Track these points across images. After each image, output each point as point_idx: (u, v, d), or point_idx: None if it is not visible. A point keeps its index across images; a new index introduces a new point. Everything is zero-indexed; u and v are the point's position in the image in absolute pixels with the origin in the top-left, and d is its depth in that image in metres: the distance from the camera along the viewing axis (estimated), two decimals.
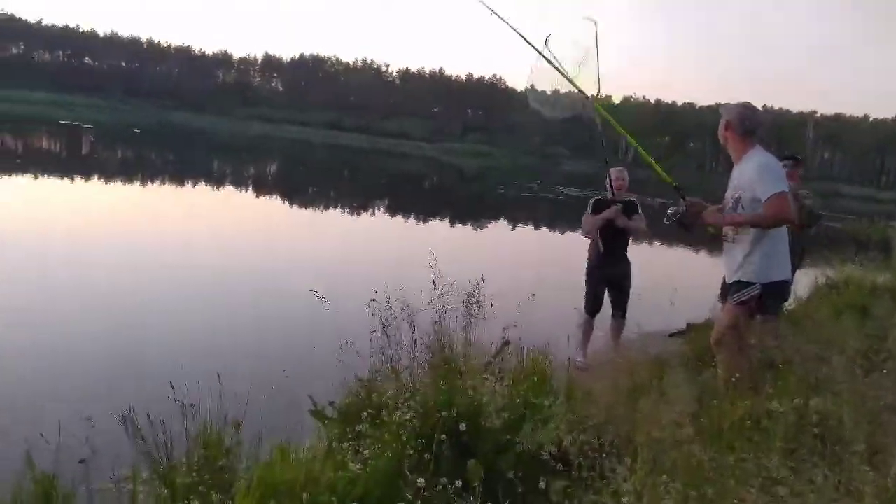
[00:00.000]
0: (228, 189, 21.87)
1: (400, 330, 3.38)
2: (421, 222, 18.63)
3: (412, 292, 3.50)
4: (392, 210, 20.70)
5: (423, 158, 65.23)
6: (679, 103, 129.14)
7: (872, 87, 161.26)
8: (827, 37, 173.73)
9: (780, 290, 3.49)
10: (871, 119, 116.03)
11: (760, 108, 3.48)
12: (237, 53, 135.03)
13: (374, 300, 3.35)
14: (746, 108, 3.52)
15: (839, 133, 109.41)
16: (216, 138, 55.61)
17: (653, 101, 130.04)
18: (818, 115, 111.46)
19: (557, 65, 4.04)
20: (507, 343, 3.97)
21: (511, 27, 4.32)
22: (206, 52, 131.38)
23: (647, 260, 15.17)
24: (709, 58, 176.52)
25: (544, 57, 4.09)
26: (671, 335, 7.16)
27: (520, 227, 20.09)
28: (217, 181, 23.65)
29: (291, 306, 7.23)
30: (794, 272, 6.32)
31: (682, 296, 9.27)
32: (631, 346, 6.72)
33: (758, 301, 3.38)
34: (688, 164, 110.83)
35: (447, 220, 19.44)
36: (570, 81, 4.04)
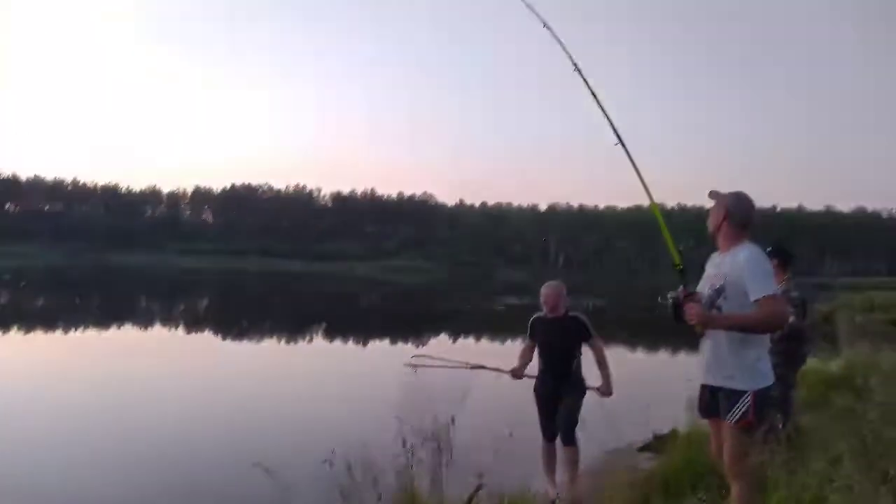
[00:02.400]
0: (153, 331, 20.39)
1: (363, 493, 2.98)
2: (363, 346, 18.06)
3: (370, 437, 3.12)
4: (333, 336, 19.98)
5: (361, 278, 65.10)
6: (601, 207, 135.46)
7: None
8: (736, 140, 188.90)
9: (769, 396, 3.26)
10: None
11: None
12: (166, 188, 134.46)
13: (328, 461, 2.97)
14: (743, 197, 3.41)
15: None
16: (147, 275, 54.03)
17: (576, 207, 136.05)
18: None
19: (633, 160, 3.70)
20: (479, 488, 3.60)
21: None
22: (134, 189, 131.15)
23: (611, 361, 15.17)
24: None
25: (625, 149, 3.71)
26: (640, 449, 6.85)
27: (470, 342, 19.47)
28: (142, 322, 22.16)
29: (233, 484, 5.60)
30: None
31: (644, 400, 9.10)
32: (600, 467, 6.40)
33: (755, 410, 3.15)
34: (617, 265, 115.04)
35: (397, 343, 18.80)
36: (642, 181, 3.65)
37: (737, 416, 3.16)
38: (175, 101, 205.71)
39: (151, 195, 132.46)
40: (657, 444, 6.71)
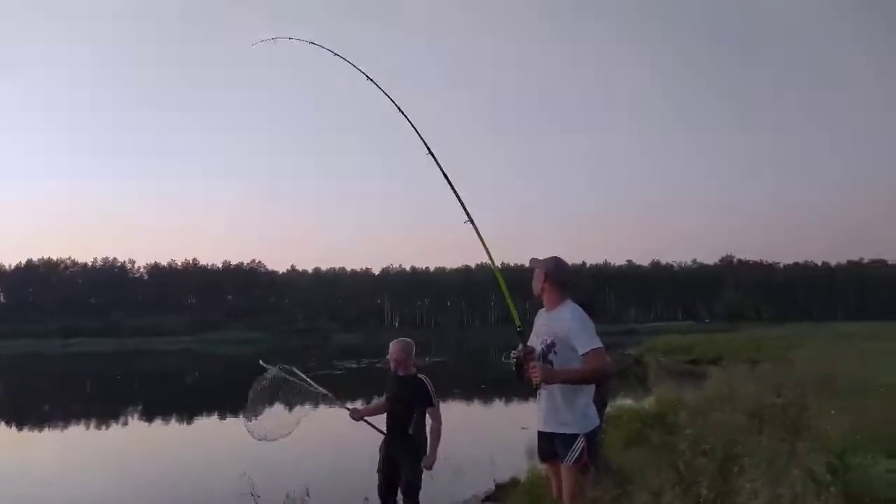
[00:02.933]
0: None
1: None
2: (185, 424, 16.70)
3: None
4: (154, 415, 18.32)
5: (183, 353, 60.56)
6: (432, 269, 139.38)
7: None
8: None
9: (597, 437, 3.59)
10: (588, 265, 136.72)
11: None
12: None
13: None
14: (560, 261, 3.81)
15: None
16: None
17: (408, 269, 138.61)
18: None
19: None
20: None
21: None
22: None
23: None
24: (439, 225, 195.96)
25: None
26: (483, 500, 7.02)
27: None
28: None
29: None
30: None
31: (484, 450, 9.34)
32: None
33: (588, 451, 3.43)
34: (451, 323, 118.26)
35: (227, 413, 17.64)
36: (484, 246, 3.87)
37: (573, 458, 3.43)
38: None
39: None
40: (499, 493, 6.93)
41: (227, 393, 26.41)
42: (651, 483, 4.60)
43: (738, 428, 5.90)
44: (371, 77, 4.49)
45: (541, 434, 3.70)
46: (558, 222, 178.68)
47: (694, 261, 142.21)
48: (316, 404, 5.16)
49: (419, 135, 4.12)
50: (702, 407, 7.96)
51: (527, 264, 3.88)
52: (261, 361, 5.36)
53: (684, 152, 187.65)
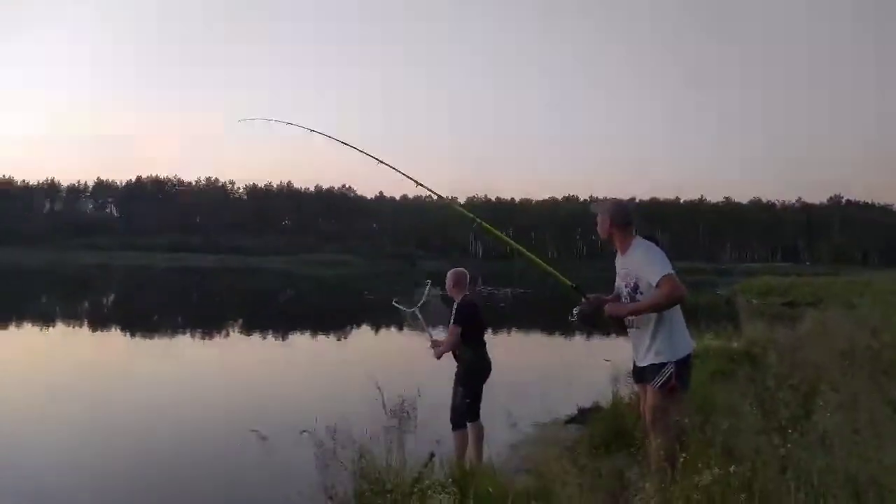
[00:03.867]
0: (65, 329, 19.61)
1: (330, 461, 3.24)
2: (325, 336, 17.94)
3: (345, 410, 3.38)
4: (289, 329, 19.66)
5: (279, 273, 63.77)
6: (518, 200, 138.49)
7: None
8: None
9: (688, 363, 3.77)
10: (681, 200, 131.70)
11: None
12: (65, 181, 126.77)
13: (305, 431, 3.22)
14: (621, 203, 3.96)
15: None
16: (46, 274, 50.88)
17: (493, 199, 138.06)
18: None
19: (428, 185, 4.41)
20: (432, 456, 3.92)
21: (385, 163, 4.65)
22: (31, 183, 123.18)
23: (519, 350, 15.82)
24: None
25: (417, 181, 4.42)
26: (566, 422, 7.36)
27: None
28: (39, 320, 21.11)
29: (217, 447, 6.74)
30: None
31: (565, 380, 9.69)
32: (532, 437, 6.88)
33: (676, 376, 3.63)
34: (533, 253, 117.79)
35: (346, 332, 18.93)
36: (457, 205, 4.36)
37: (660, 383, 3.66)
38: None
39: (50, 189, 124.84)
40: (582, 416, 7.24)
41: (322, 313, 28.10)
42: (734, 410, 4.79)
43: (826, 366, 5.89)
44: None
45: (638, 368, 3.90)
46: (649, 154, 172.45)
47: (799, 199, 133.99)
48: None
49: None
50: (792, 345, 7.89)
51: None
52: (395, 302, 5.85)
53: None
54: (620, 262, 3.90)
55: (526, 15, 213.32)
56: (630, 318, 3.77)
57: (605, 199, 4.02)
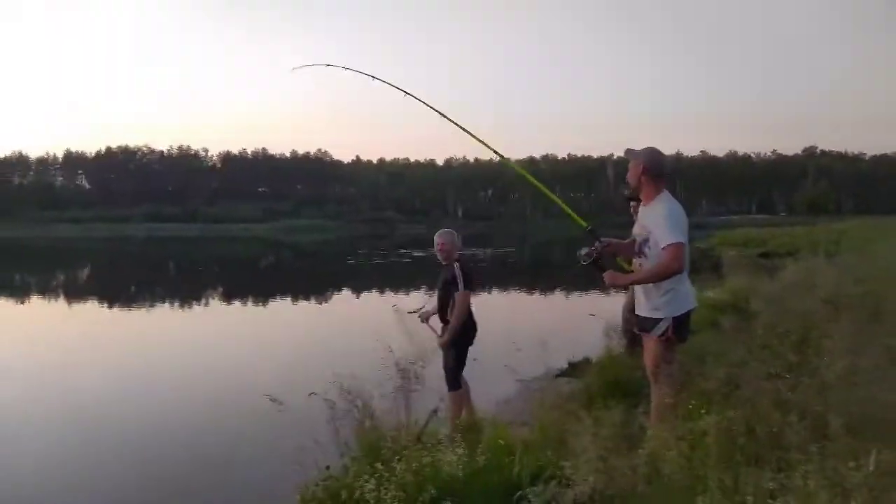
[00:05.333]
0: (42, 302, 19.30)
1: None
2: (289, 302, 17.91)
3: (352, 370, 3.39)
4: (291, 296, 19.68)
5: (257, 240, 63.33)
6: (496, 161, 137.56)
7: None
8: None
9: (688, 318, 3.82)
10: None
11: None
12: (34, 153, 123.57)
13: (314, 393, 3.24)
14: (657, 153, 3.85)
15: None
16: (14, 249, 49.79)
17: (472, 160, 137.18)
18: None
19: (473, 131, 4.28)
20: (435, 412, 3.96)
21: (425, 102, 4.50)
22: None
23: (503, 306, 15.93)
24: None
25: (461, 127, 4.30)
26: (557, 375, 7.45)
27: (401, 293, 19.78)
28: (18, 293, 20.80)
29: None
30: None
31: (548, 339, 9.76)
32: (525, 391, 6.96)
33: (673, 330, 3.68)
34: (514, 217, 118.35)
35: (330, 295, 18.93)
36: (486, 144, 4.25)
37: (658, 333, 3.71)
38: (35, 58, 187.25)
39: (18, 162, 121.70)
40: (573, 370, 7.35)
41: (325, 274, 28.11)
42: (727, 358, 4.87)
43: (813, 314, 6.00)
44: None
45: (630, 319, 3.94)
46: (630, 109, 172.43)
47: (774, 151, 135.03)
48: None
49: None
50: (777, 294, 8.04)
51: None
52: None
53: None
54: (642, 212, 3.88)
55: None
56: (636, 268, 3.80)
57: (643, 149, 3.88)
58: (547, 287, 20.33)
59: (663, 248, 3.57)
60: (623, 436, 3.32)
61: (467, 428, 3.93)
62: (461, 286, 5.06)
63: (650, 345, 3.78)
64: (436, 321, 5.35)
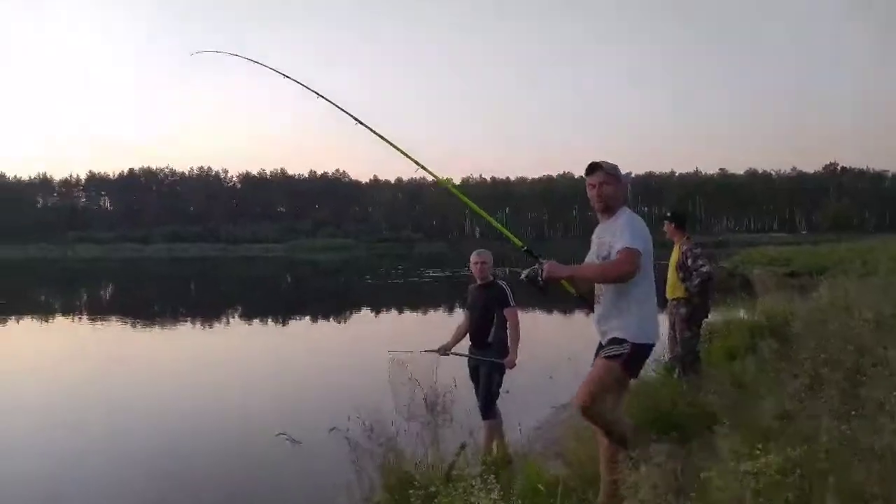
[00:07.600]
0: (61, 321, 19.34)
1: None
2: (304, 321, 17.77)
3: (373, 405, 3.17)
4: (305, 316, 19.60)
5: (277, 259, 63.56)
6: (512, 178, 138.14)
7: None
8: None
9: (645, 353, 3.41)
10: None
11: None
12: (58, 175, 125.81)
13: (335, 429, 3.01)
14: (617, 170, 3.55)
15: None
16: (39, 269, 50.39)
17: (489, 179, 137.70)
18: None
19: (409, 153, 4.12)
20: (463, 447, 3.70)
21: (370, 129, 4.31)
22: (22, 178, 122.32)
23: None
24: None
25: (399, 149, 4.14)
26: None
27: (429, 313, 19.53)
28: (51, 315, 20.92)
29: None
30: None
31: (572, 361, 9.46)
32: (558, 417, 6.69)
33: (627, 360, 3.28)
34: (531, 234, 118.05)
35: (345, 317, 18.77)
36: (422, 167, 4.08)
37: (611, 354, 3.29)
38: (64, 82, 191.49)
39: (42, 183, 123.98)
40: None
41: (342, 295, 27.95)
42: (782, 389, 4.55)
43: (860, 338, 5.67)
44: None
45: (600, 343, 3.53)
46: (647, 130, 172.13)
47: (793, 168, 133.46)
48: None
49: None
50: (817, 317, 7.68)
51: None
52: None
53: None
54: (599, 231, 3.55)
55: None
56: (598, 293, 3.45)
57: (604, 162, 3.52)
58: (568, 308, 19.97)
59: (618, 252, 3.26)
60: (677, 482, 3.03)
61: (499, 463, 3.66)
62: (512, 303, 5.07)
63: (595, 366, 3.35)
64: (462, 348, 5.11)
